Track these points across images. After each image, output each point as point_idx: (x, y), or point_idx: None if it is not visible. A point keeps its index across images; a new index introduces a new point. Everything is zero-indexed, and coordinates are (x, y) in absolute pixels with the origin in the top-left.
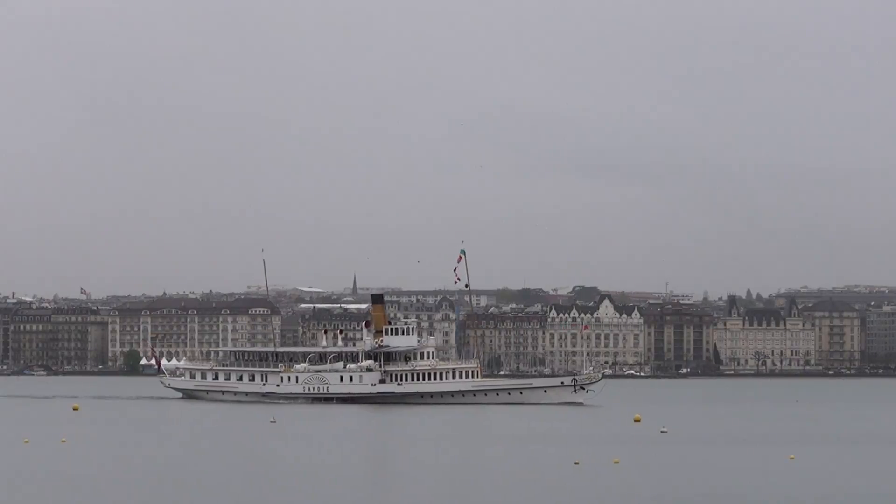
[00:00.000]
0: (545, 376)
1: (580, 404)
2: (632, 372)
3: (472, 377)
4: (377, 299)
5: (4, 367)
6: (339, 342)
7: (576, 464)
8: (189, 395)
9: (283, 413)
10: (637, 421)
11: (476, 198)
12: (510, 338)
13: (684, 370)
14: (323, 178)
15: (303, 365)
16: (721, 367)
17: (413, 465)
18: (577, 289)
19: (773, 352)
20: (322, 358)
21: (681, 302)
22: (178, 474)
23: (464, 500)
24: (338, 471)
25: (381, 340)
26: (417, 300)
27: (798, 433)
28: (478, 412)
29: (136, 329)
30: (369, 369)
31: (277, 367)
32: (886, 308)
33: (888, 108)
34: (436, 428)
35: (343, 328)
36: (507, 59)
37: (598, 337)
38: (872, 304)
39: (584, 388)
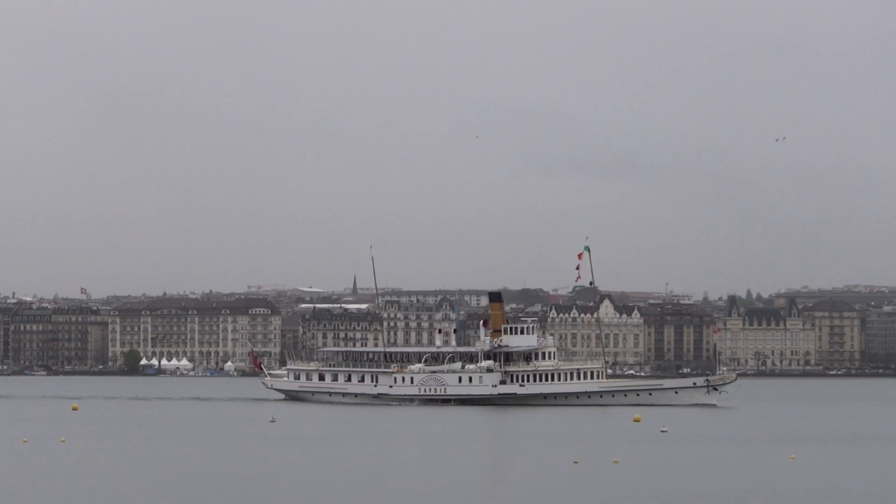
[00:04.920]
0: (676, 376)
1: (713, 406)
2: (632, 372)
3: (597, 378)
4: (495, 297)
5: (4, 367)
6: (453, 342)
7: (575, 463)
8: (293, 396)
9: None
10: (637, 421)
11: (477, 197)
12: None
13: (685, 370)
14: (324, 179)
15: (418, 365)
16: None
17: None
18: (577, 289)
19: (773, 352)
20: (436, 358)
21: (681, 302)
22: (190, 475)
23: (460, 499)
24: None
25: (500, 340)
26: (418, 300)
27: (798, 433)
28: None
29: (136, 329)
30: (489, 370)
31: (389, 367)
32: (886, 308)
33: (889, 108)
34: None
35: (344, 328)
36: (508, 59)
37: (597, 337)
38: (872, 304)
39: (716, 389)
